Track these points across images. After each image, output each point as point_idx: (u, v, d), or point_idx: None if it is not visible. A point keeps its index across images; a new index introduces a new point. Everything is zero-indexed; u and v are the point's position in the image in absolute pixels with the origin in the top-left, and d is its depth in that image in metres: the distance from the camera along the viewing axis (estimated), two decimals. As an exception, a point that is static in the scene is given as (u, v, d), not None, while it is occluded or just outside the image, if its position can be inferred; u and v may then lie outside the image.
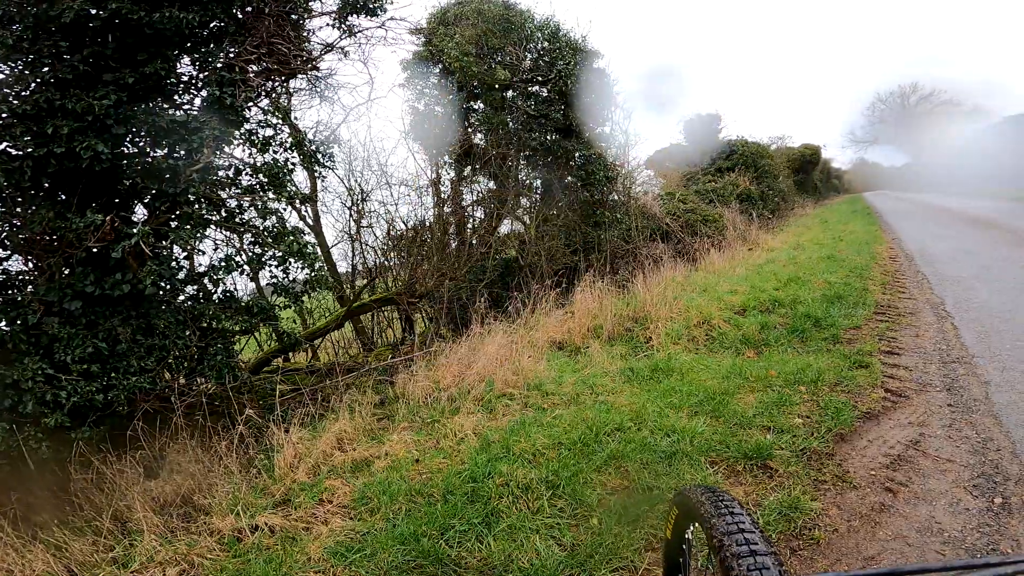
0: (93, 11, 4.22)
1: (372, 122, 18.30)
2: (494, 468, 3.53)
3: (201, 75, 4.90)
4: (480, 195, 10.24)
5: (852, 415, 4.03)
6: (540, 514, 3.10)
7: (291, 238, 5.15)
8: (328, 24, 5.81)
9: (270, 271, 5.31)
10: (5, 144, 4.09)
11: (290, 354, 8.27)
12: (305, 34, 5.59)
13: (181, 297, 5.03)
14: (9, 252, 4.37)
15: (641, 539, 2.82)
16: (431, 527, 3.01)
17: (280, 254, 5.13)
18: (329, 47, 5.82)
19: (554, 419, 4.34)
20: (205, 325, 5.01)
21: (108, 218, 4.17)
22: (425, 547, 2.84)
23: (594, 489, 3.31)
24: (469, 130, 9.83)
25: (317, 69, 5.87)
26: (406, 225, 9.09)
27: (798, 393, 4.46)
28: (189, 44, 4.86)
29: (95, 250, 4.26)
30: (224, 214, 5.11)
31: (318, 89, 6.27)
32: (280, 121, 5.66)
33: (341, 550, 2.93)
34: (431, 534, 2.95)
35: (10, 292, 4.34)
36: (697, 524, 1.28)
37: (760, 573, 1.01)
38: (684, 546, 1.41)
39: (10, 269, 4.41)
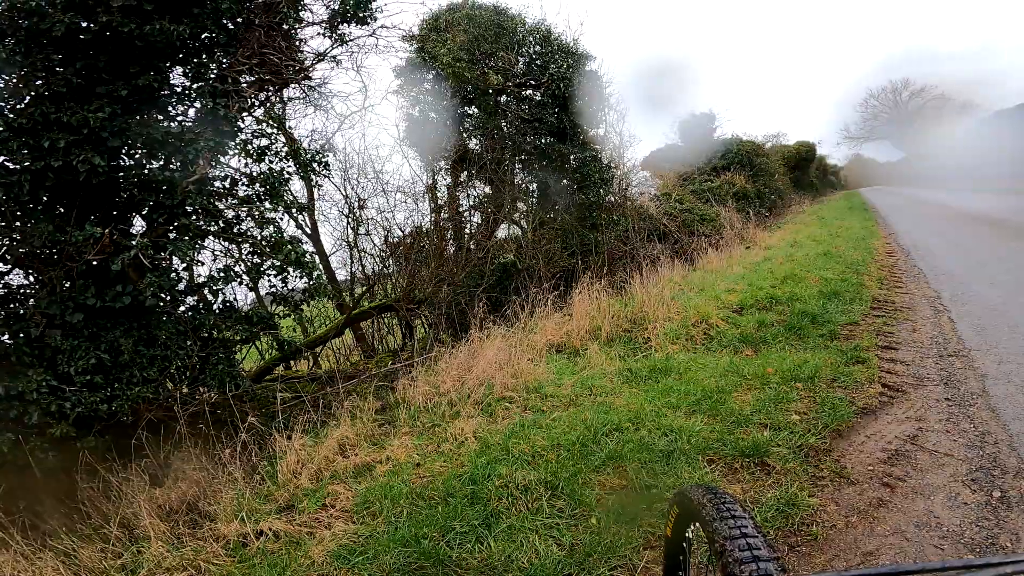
0: (84, 24, 4.26)
1: (367, 129, 18.48)
2: (494, 470, 3.55)
3: (194, 86, 4.93)
4: (476, 200, 10.28)
5: (849, 411, 4.05)
6: (539, 514, 3.12)
7: (289, 247, 5.17)
8: (319, 33, 5.86)
9: (269, 281, 5.34)
10: (3, 158, 4.13)
11: (291, 362, 8.29)
12: (296, 44, 5.62)
13: (181, 308, 5.06)
14: (10, 266, 4.40)
15: (639, 537, 2.85)
16: (432, 529, 3.03)
17: (278, 263, 5.16)
18: (321, 56, 5.86)
19: (553, 421, 4.37)
20: (206, 335, 5.04)
21: (107, 231, 4.21)
22: (426, 549, 2.87)
23: (593, 489, 3.33)
24: (464, 135, 9.88)
25: (310, 78, 5.91)
26: (403, 232, 9.13)
27: (795, 390, 4.48)
28: (181, 56, 4.89)
29: (95, 263, 4.29)
30: (222, 225, 5.14)
31: (312, 98, 6.32)
32: (275, 131, 5.70)
33: (344, 553, 2.95)
34: (432, 536, 2.98)
35: (12, 306, 4.37)
36: (698, 524, 1.28)
37: None
38: (684, 544, 1.41)
39: (11, 283, 4.44)
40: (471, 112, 10.03)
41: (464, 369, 5.46)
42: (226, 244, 5.59)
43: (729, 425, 3.99)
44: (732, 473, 3.44)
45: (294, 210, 6.89)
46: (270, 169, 5.31)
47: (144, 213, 4.83)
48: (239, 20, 5.15)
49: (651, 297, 7.33)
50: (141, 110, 4.58)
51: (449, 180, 9.97)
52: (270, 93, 5.66)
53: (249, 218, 5.23)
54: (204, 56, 5.01)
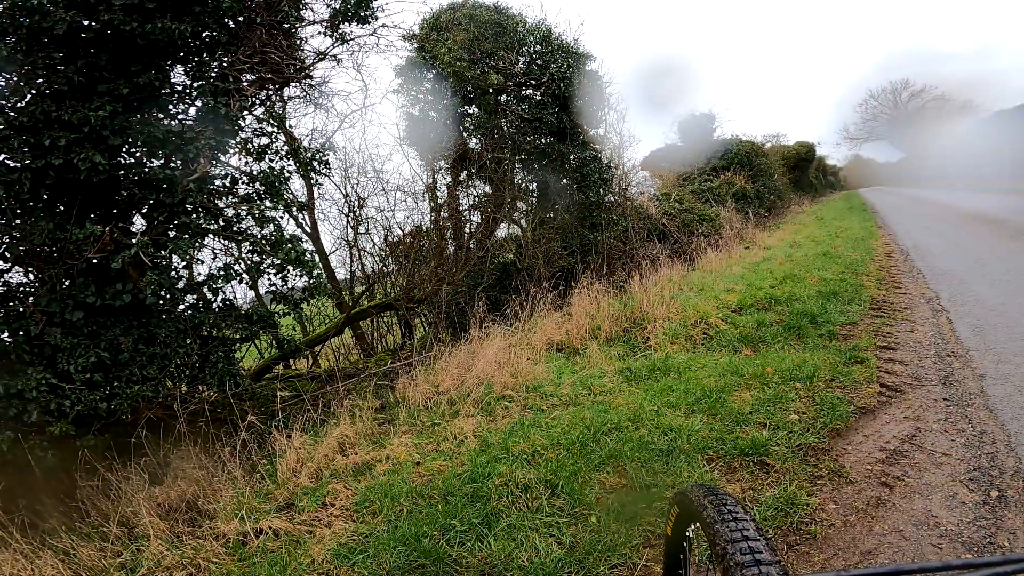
0: (86, 22, 4.26)
1: (367, 128, 18.54)
2: (494, 469, 3.56)
3: (195, 85, 4.94)
4: (476, 199, 10.29)
5: (848, 411, 4.05)
6: (539, 513, 3.13)
7: (289, 246, 5.18)
8: (320, 32, 5.87)
9: (269, 279, 5.35)
10: (3, 156, 4.13)
11: (291, 361, 8.30)
12: (297, 43, 5.63)
13: (181, 306, 5.07)
14: (10, 264, 4.40)
15: (639, 536, 2.85)
16: (432, 528, 3.04)
17: (278, 262, 5.16)
18: (322, 55, 5.87)
19: (553, 420, 4.37)
20: (205, 333, 5.04)
21: (107, 229, 4.21)
22: (426, 547, 2.88)
23: (592, 488, 3.34)
24: (464, 135, 9.88)
25: (310, 77, 5.92)
26: (403, 231, 9.13)
27: (794, 390, 4.48)
28: (182, 54, 4.90)
29: (95, 261, 4.29)
30: (222, 223, 5.14)
31: (312, 97, 6.32)
32: (275, 129, 5.70)
33: (344, 552, 2.96)
34: (432, 535, 2.98)
35: (12, 304, 4.37)
36: (698, 524, 1.27)
37: None
38: (685, 543, 1.41)
39: (11, 281, 4.44)
40: (471, 111, 10.04)
41: (464, 368, 5.47)
42: (226, 242, 5.60)
43: (728, 424, 3.99)
44: (731, 472, 3.45)
45: (294, 209, 6.88)
46: (270, 168, 5.31)
47: (144, 211, 4.84)
48: (240, 19, 5.15)
49: (650, 297, 7.34)
50: (142, 108, 4.59)
51: (449, 179, 9.97)
52: (271, 92, 5.67)
53: (249, 216, 5.23)
54: (205, 54, 5.01)
